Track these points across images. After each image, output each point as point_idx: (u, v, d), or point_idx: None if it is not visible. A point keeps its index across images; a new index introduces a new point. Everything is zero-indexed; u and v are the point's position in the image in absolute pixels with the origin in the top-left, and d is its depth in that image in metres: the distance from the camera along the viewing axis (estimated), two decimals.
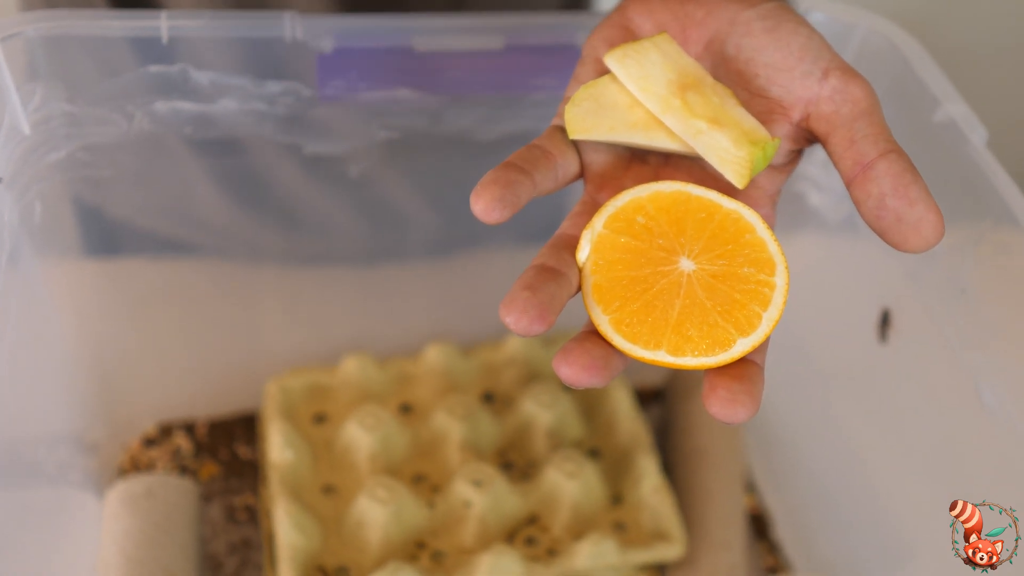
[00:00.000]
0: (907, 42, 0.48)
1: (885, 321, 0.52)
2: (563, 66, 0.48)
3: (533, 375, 0.60)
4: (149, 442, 0.60)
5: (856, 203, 0.34)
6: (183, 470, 0.59)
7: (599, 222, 0.35)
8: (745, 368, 0.33)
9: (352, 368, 0.59)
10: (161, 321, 0.61)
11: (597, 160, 0.38)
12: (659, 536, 0.53)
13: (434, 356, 0.59)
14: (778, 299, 0.34)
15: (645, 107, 0.37)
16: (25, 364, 0.53)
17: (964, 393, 0.46)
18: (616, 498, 0.56)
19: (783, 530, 0.59)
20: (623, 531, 0.55)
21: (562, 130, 0.38)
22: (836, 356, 0.57)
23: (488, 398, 0.60)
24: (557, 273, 0.33)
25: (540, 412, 0.57)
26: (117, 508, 0.54)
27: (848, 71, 0.36)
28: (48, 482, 0.55)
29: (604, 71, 0.38)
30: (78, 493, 0.56)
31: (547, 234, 0.64)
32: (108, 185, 0.52)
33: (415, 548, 0.53)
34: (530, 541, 0.54)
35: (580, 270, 0.35)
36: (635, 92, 0.37)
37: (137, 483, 0.55)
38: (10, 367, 0.50)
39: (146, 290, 0.61)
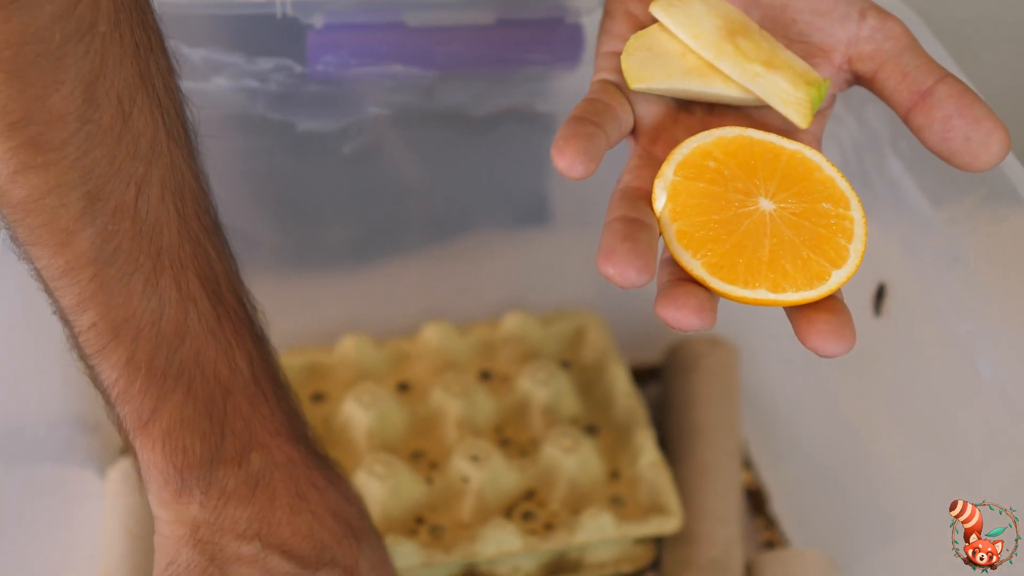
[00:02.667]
0: (907, 16, 0.47)
1: (880, 295, 0.51)
2: (555, 40, 0.48)
3: (530, 353, 0.60)
4: None
5: (918, 131, 0.35)
6: None
7: (669, 170, 0.35)
8: (835, 304, 0.33)
9: (349, 347, 0.59)
10: None
11: (649, 112, 0.37)
12: (656, 510, 0.54)
13: (431, 335, 0.60)
14: (860, 231, 0.34)
15: (697, 54, 0.37)
16: (24, 343, 0.53)
17: (960, 365, 0.46)
18: (613, 473, 0.56)
19: (780, 505, 0.59)
20: (620, 505, 0.55)
21: (609, 83, 0.37)
22: None
23: (485, 376, 0.60)
24: (642, 223, 0.33)
25: (537, 389, 0.57)
26: (119, 485, 0.54)
27: (882, 10, 0.37)
28: (50, 461, 0.55)
29: (635, 23, 0.38)
30: (80, 471, 0.56)
31: (539, 214, 0.64)
32: None
33: (414, 523, 0.54)
34: (528, 516, 0.54)
35: (658, 219, 0.35)
36: (687, 40, 0.37)
37: None
38: (8, 346, 0.50)
39: None
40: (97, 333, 0.35)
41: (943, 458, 0.50)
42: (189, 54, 0.46)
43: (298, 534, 0.38)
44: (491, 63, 0.49)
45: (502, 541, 0.51)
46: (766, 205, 0.35)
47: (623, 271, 0.31)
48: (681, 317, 0.32)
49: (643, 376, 0.63)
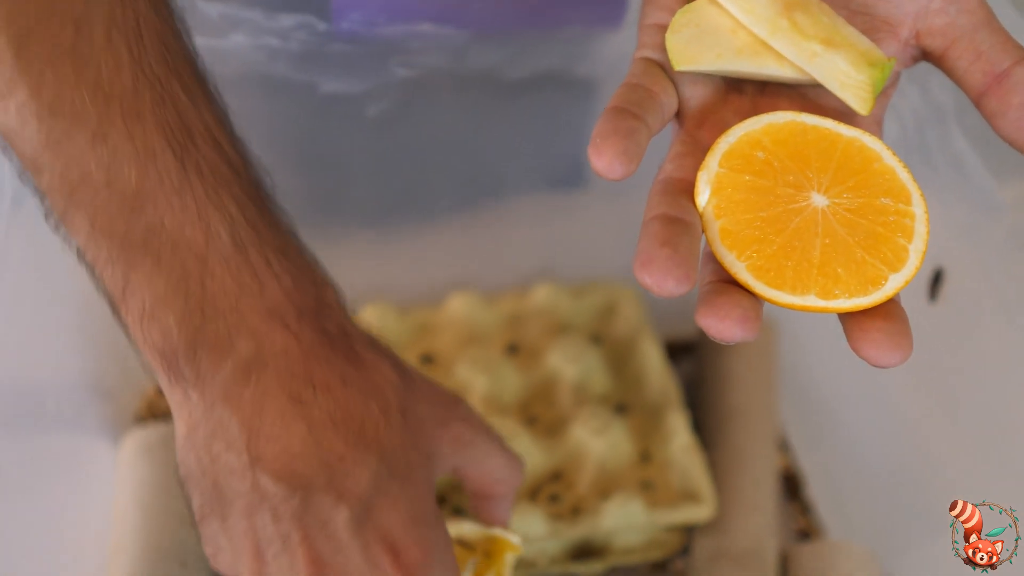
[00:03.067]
0: None
1: (937, 280, 0.48)
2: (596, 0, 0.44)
3: (560, 326, 0.58)
4: None
5: (990, 116, 0.32)
6: None
7: (714, 161, 0.32)
8: (892, 307, 0.31)
9: (371, 318, 0.57)
10: None
11: (696, 94, 0.34)
12: (688, 496, 0.52)
13: (457, 306, 0.57)
14: (921, 229, 0.32)
15: (749, 31, 0.34)
16: (37, 303, 0.51)
17: (1022, 357, 0.43)
18: (644, 456, 0.54)
19: (816, 490, 0.57)
20: (651, 490, 0.53)
21: (652, 63, 0.34)
22: None
23: (512, 350, 0.58)
24: (683, 223, 0.31)
25: (566, 366, 0.55)
26: (133, 457, 0.53)
27: None
28: (62, 428, 0.53)
29: None
30: (93, 439, 0.55)
31: (574, 181, 0.61)
32: None
33: (437, 502, 0.52)
34: (554, 499, 0.52)
35: (700, 215, 0.32)
36: (738, 15, 0.34)
37: (154, 432, 0.53)
38: (20, 306, 0.48)
39: None
40: (57, 196, 0.32)
41: (997, 452, 0.47)
42: (205, 8, 0.43)
43: (288, 451, 0.33)
44: (527, 23, 0.46)
45: (527, 526, 0.49)
46: (819, 201, 0.32)
47: (661, 281, 0.29)
48: (724, 328, 0.29)
49: (677, 351, 0.61)
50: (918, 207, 0.32)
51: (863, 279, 0.31)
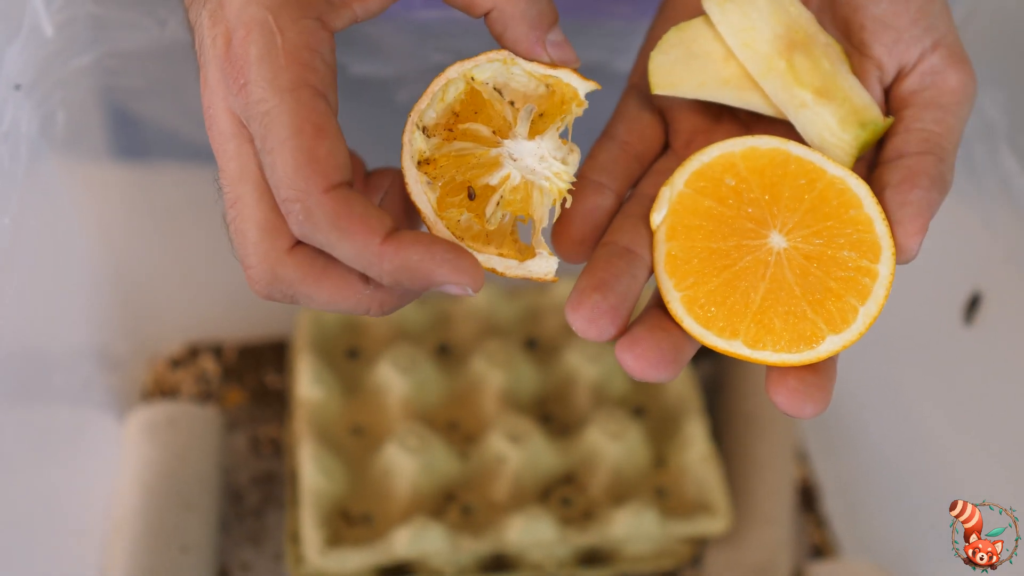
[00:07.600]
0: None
1: (974, 303, 0.47)
2: None
3: None
4: (175, 363, 0.58)
5: (878, 190, 0.31)
6: (208, 396, 0.56)
7: (680, 179, 0.31)
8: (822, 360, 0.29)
9: None
10: (192, 233, 0.58)
11: (683, 117, 0.33)
12: (703, 508, 0.50)
13: (476, 297, 0.56)
14: (879, 292, 0.29)
15: (742, 64, 0.32)
16: (46, 273, 0.50)
17: None
18: (659, 461, 0.53)
19: (833, 502, 0.56)
20: (664, 497, 0.52)
21: (636, 94, 0.34)
22: (911, 329, 0.52)
23: (531, 344, 0.57)
24: (631, 257, 0.30)
25: (585, 365, 0.54)
26: (138, 436, 0.52)
27: (956, 54, 0.32)
28: (69, 399, 0.52)
29: (698, 11, 0.33)
30: (99, 413, 0.54)
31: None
32: (137, 95, 0.48)
33: (444, 500, 0.51)
34: (565, 502, 0.51)
35: (653, 233, 0.31)
36: (734, 47, 0.32)
37: (159, 411, 0.52)
38: (28, 275, 0.47)
39: (176, 199, 0.57)
40: None
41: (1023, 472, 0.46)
42: None
43: None
44: (567, 12, 0.44)
45: (535, 531, 0.48)
46: (777, 242, 0.30)
47: (585, 328, 0.28)
48: (638, 368, 0.28)
49: (697, 353, 0.59)
50: (884, 267, 0.29)
51: (797, 335, 0.29)
